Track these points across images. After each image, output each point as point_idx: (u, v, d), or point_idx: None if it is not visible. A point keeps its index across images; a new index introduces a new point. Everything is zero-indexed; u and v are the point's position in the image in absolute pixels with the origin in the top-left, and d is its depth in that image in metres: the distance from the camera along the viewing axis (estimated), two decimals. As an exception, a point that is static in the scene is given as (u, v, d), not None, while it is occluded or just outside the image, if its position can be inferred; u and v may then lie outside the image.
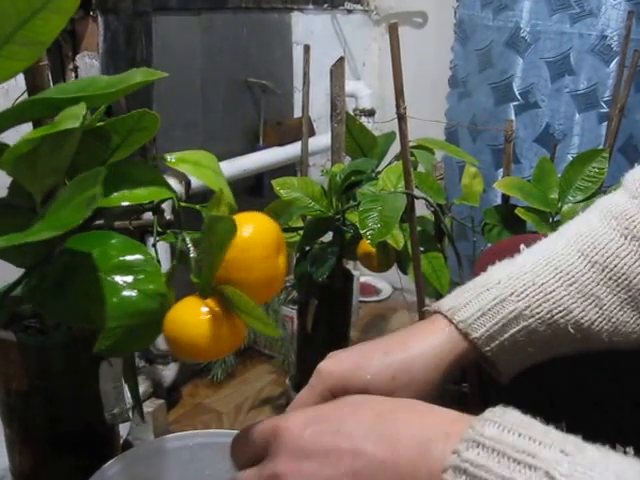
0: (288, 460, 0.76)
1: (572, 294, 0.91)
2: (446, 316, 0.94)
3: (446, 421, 0.72)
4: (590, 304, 0.91)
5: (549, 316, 0.91)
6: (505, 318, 0.91)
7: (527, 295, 0.92)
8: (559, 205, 1.69)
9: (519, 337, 0.91)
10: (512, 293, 0.92)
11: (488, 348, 0.92)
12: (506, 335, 0.91)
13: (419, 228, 1.60)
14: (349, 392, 0.90)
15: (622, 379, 1.05)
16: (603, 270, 0.92)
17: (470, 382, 1.33)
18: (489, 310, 0.91)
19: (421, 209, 1.63)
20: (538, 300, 0.91)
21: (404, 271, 1.77)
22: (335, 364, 0.94)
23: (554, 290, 0.91)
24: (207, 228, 0.91)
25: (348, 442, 0.74)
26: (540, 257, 0.95)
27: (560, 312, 0.91)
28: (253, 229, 0.94)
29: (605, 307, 0.92)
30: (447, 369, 0.91)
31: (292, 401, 0.96)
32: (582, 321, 0.91)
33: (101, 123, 0.95)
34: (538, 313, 0.91)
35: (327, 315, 1.98)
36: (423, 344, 0.92)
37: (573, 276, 0.92)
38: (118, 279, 0.89)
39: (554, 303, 0.91)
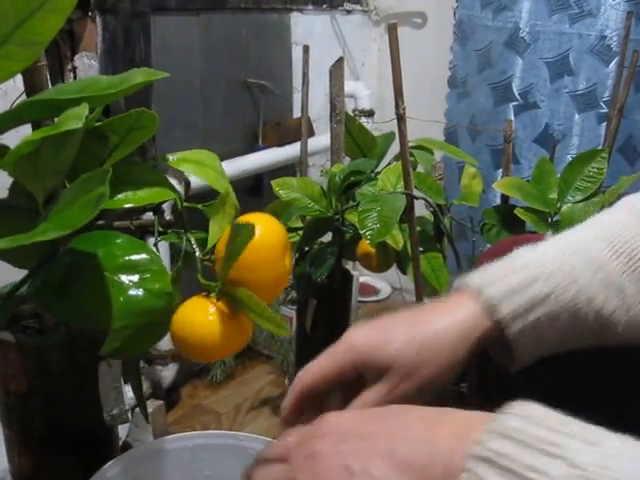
0: (326, 441, 0.75)
1: (597, 282, 0.91)
2: (473, 293, 0.93)
3: (485, 413, 0.71)
4: (613, 293, 0.91)
5: (572, 303, 0.90)
6: (531, 300, 0.90)
7: (554, 279, 0.91)
8: (558, 205, 1.69)
9: (541, 321, 0.90)
10: (540, 277, 0.91)
11: (511, 329, 0.91)
12: (530, 317, 0.90)
13: (418, 228, 1.60)
14: (372, 367, 0.89)
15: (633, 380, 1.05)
16: (628, 261, 0.92)
17: (469, 383, 1.33)
18: (517, 290, 0.90)
19: (420, 209, 1.63)
20: (564, 285, 0.90)
21: (403, 271, 1.77)
22: (359, 337, 0.92)
23: (580, 277, 0.91)
24: (232, 236, 0.91)
25: (386, 426, 0.74)
26: (565, 246, 0.95)
27: (584, 299, 0.90)
28: (261, 231, 0.95)
29: (626, 298, 0.92)
30: (470, 346, 0.90)
31: (306, 366, 0.94)
32: (603, 311, 0.91)
33: (99, 123, 0.95)
34: (563, 299, 0.90)
35: (326, 315, 1.98)
36: (448, 319, 0.91)
37: (600, 264, 0.92)
38: (124, 278, 0.89)
39: (579, 290, 0.90)
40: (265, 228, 0.98)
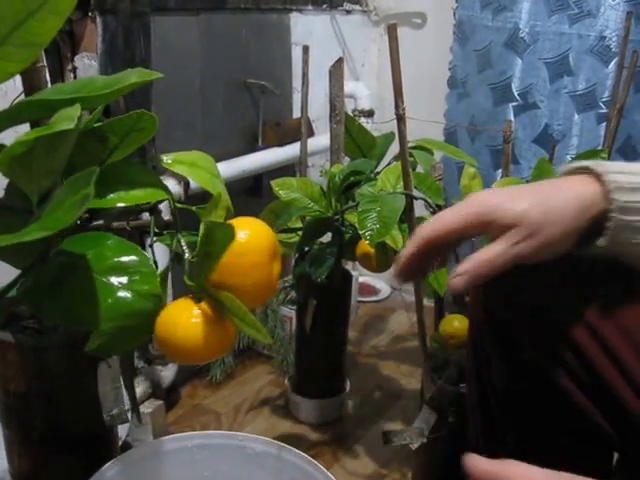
0: None
1: None
2: (593, 175, 0.95)
3: None
4: None
5: None
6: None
7: None
8: (557, 206, 1.68)
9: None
10: None
11: (616, 219, 0.93)
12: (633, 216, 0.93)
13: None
14: (498, 221, 0.92)
15: None
16: None
17: (468, 383, 1.33)
18: (628, 173, 0.93)
19: (420, 210, 1.63)
20: None
21: (403, 272, 1.76)
22: (488, 195, 0.96)
23: None
24: (205, 234, 0.91)
25: None
26: None
27: None
28: (249, 235, 0.95)
29: None
30: (587, 221, 0.93)
31: (430, 220, 0.98)
32: None
33: (99, 124, 0.95)
34: None
35: (326, 315, 1.98)
36: (570, 192, 0.94)
37: None
38: (113, 280, 0.89)
39: None
40: (253, 233, 0.98)
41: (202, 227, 1.00)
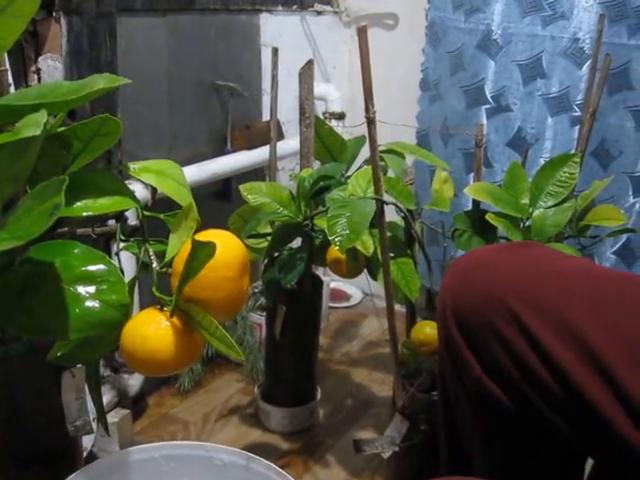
0: None
1: None
2: None
3: None
4: None
5: None
6: None
7: None
8: (530, 210, 1.68)
9: None
10: None
11: None
12: None
13: (389, 234, 1.59)
14: None
15: None
16: None
17: (440, 391, 1.32)
18: None
19: (391, 214, 1.62)
20: None
21: (374, 277, 1.76)
22: None
23: None
24: (192, 254, 0.90)
25: None
26: None
27: None
28: (221, 249, 0.93)
29: None
30: None
31: None
32: None
33: (63, 128, 0.93)
34: None
35: (296, 322, 1.97)
36: None
37: None
38: (80, 289, 0.88)
39: None
40: (224, 247, 0.97)
41: (171, 238, 0.98)
